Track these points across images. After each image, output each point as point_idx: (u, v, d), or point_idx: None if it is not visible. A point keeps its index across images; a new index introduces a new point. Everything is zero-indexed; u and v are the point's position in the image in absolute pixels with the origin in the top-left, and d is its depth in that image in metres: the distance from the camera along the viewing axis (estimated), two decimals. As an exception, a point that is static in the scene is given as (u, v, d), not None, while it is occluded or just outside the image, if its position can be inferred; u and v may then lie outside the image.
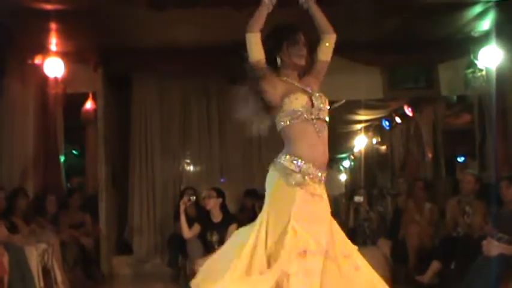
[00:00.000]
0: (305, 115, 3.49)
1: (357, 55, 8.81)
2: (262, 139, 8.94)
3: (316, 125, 3.51)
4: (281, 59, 3.60)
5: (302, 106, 3.49)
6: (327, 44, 3.70)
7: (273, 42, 3.59)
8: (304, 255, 3.33)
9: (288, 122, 3.51)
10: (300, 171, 3.45)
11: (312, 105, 3.52)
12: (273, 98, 3.52)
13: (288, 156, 3.49)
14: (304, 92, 3.56)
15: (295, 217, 3.38)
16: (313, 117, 3.50)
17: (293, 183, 3.44)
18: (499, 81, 8.15)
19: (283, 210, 3.42)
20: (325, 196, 3.56)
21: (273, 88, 3.53)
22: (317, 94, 3.58)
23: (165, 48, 8.58)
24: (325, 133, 3.56)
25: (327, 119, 3.60)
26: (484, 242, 5.93)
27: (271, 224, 3.42)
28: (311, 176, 3.46)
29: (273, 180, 3.52)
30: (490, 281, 5.60)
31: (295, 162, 3.46)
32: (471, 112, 10.13)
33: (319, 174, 3.51)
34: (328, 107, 3.63)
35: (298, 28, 3.64)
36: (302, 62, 3.62)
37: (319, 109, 3.54)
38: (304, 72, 3.69)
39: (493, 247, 5.79)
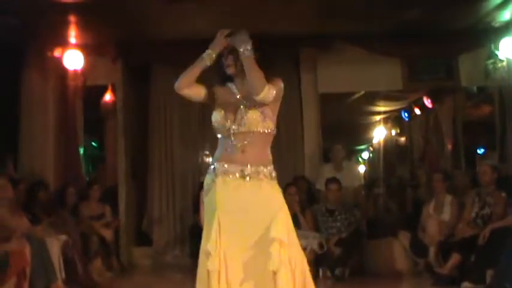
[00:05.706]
0: (218, 132, 3.58)
1: (376, 46, 8.76)
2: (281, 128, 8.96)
3: (233, 139, 3.50)
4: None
5: (217, 122, 3.57)
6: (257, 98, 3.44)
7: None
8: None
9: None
10: (214, 171, 3.56)
11: (234, 119, 3.50)
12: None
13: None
14: (230, 104, 3.56)
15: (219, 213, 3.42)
16: (229, 132, 3.50)
17: (211, 182, 3.56)
18: (520, 72, 8.07)
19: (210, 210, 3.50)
20: (258, 186, 3.47)
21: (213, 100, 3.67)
22: (242, 107, 3.51)
23: (184, 39, 8.55)
24: (252, 141, 3.48)
25: (257, 128, 3.48)
26: None
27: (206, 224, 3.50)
28: (228, 172, 3.50)
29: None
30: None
31: (212, 165, 3.60)
32: (491, 103, 10.03)
33: (242, 169, 3.47)
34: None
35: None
36: (230, 70, 3.61)
37: (239, 124, 3.48)
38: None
39: None
